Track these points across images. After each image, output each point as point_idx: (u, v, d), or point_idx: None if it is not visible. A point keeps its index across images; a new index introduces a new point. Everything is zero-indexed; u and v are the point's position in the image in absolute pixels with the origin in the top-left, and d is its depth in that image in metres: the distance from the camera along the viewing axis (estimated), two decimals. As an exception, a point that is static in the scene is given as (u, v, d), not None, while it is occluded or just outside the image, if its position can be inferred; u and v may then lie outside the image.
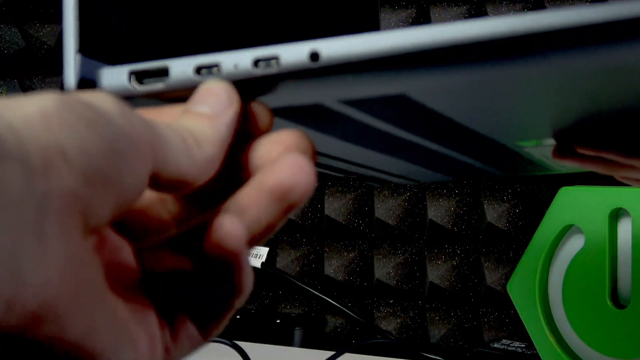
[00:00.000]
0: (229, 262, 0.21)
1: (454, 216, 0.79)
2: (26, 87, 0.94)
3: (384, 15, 0.83)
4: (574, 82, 0.21)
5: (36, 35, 0.93)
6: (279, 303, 0.87)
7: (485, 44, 0.18)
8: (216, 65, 0.22)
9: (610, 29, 0.17)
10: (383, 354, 0.70)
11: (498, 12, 0.78)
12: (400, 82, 0.20)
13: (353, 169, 0.38)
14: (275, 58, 0.21)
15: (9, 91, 0.94)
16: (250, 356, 0.58)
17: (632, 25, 0.17)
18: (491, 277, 0.77)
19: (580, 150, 0.30)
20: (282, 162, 0.21)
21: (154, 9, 0.28)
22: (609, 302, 0.53)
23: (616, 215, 0.54)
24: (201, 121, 0.21)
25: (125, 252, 0.21)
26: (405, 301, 0.82)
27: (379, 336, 0.78)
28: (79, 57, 0.23)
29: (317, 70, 0.20)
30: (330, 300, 0.79)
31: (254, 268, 0.82)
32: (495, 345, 0.68)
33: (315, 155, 0.23)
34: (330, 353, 0.66)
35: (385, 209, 0.82)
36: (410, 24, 0.82)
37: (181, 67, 0.22)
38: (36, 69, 0.94)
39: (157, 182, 0.20)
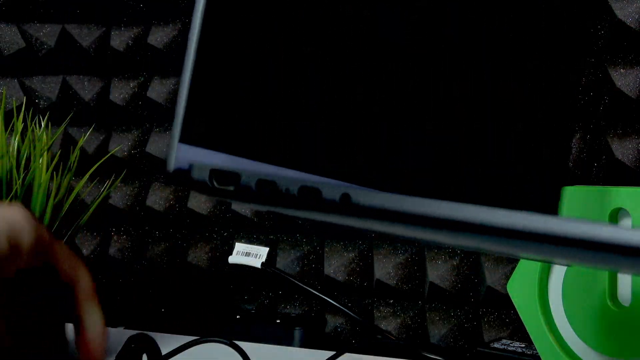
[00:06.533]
0: None
1: (454, 216, 0.79)
2: (26, 87, 0.94)
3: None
4: None
5: (36, 35, 0.93)
6: (279, 303, 0.87)
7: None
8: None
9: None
10: (383, 354, 0.70)
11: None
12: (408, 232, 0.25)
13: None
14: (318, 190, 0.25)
15: (9, 91, 0.94)
16: (250, 356, 0.58)
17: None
18: (491, 277, 0.77)
19: None
20: None
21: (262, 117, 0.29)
22: (609, 302, 0.53)
23: (616, 215, 0.54)
24: None
25: None
26: (405, 301, 0.82)
27: (379, 336, 0.78)
28: (179, 146, 0.25)
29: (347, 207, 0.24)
30: (330, 300, 0.79)
31: (254, 268, 0.82)
32: (495, 345, 0.68)
33: None
34: (330, 353, 0.66)
35: (385, 209, 0.82)
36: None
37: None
38: (36, 69, 0.94)
39: None
